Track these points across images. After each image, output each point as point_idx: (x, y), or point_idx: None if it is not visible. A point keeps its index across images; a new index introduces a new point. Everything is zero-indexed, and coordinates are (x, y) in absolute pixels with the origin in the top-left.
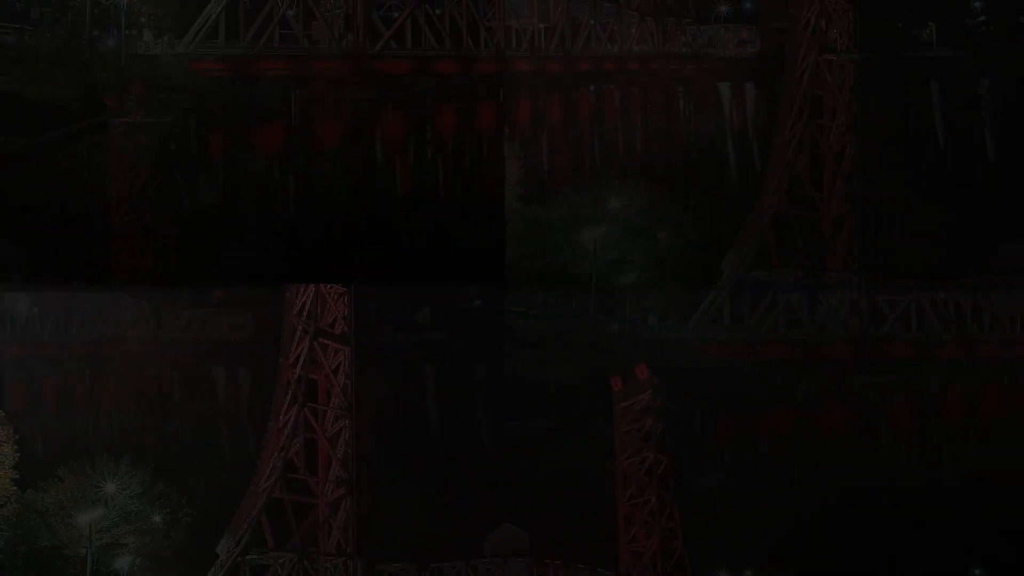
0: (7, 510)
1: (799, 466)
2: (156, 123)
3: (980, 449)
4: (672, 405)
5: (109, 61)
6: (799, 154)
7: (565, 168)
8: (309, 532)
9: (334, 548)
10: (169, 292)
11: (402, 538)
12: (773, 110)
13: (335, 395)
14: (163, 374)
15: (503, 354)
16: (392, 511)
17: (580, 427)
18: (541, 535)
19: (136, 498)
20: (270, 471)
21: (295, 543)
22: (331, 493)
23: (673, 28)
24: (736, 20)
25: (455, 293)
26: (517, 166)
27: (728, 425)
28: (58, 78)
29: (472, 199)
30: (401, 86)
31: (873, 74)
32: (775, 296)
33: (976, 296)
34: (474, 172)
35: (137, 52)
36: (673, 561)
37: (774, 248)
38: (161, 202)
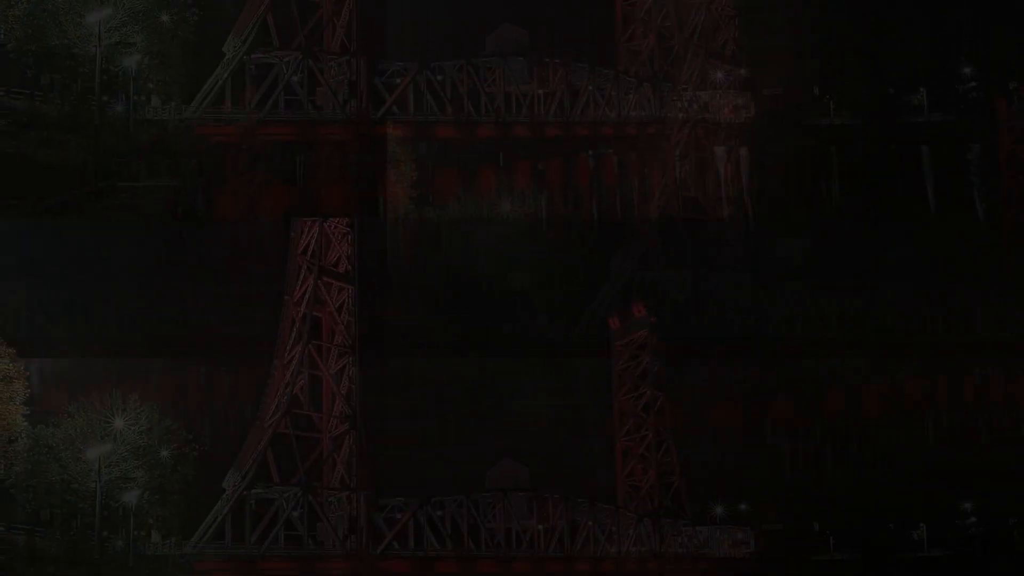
0: (18, 445)
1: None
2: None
3: (863, 448)
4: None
5: (118, 126)
6: (685, 157)
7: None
8: (313, 467)
9: (338, 482)
10: None
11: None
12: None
13: (339, 333)
14: None
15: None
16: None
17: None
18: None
19: (144, 433)
20: (275, 407)
21: (300, 477)
22: (335, 428)
23: (670, 94)
24: (731, 86)
25: None
26: (410, 168)
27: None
28: (68, 143)
29: None
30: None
31: (865, 139)
32: (662, 295)
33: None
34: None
35: (145, 117)
36: (670, 495)
37: (661, 249)
38: None
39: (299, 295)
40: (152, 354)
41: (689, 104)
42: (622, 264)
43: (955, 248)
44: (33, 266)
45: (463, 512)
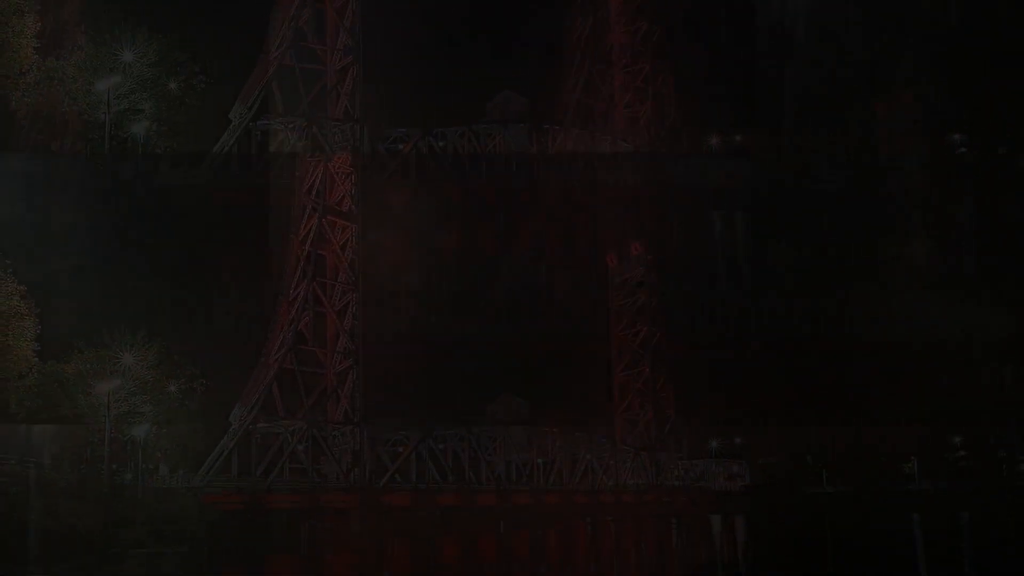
0: (29, 380)
1: None
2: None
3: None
4: None
5: (128, 191)
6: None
7: None
8: (318, 401)
9: (341, 416)
10: None
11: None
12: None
13: (343, 270)
14: None
15: None
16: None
17: None
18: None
19: (152, 368)
20: (280, 343)
21: (304, 412)
22: (338, 364)
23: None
24: (727, 153)
25: None
26: None
27: None
28: (80, 209)
29: None
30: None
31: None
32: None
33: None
34: None
35: (155, 183)
36: (666, 429)
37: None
38: None
39: (304, 233)
40: None
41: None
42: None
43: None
44: None
45: (464, 445)
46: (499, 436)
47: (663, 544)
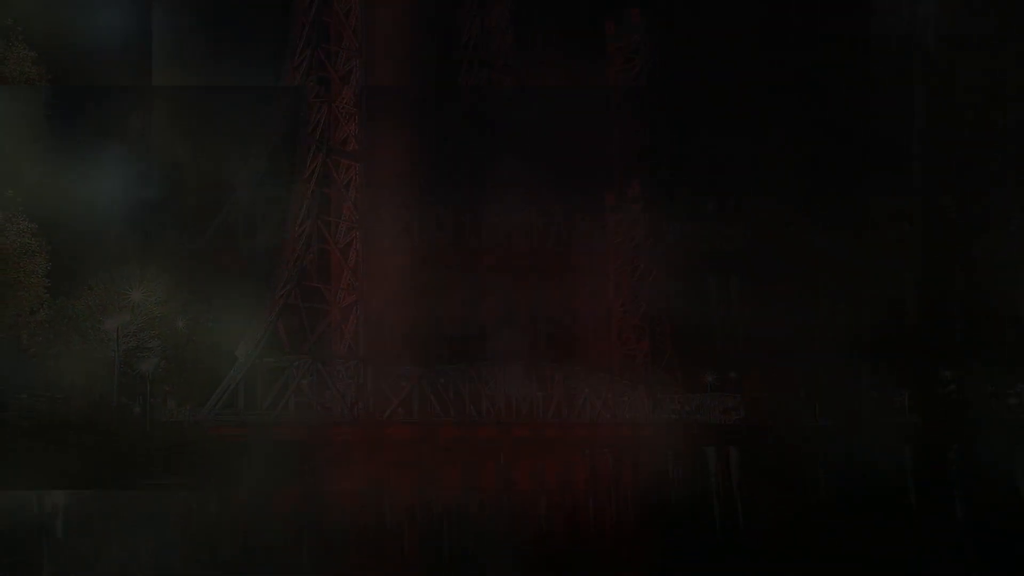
0: (40, 315)
1: None
2: None
3: None
4: None
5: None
6: None
7: None
8: (322, 337)
9: (345, 351)
10: None
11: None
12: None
13: (346, 208)
14: None
15: None
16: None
17: None
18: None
19: (161, 304)
20: (286, 279)
21: (309, 347)
22: (343, 300)
23: None
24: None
25: None
26: None
27: None
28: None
29: None
30: None
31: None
32: None
33: None
34: None
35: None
36: (663, 363)
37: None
38: None
39: (308, 172)
40: None
41: None
42: None
43: None
44: None
45: (465, 379)
46: (499, 371)
47: (659, 476)
